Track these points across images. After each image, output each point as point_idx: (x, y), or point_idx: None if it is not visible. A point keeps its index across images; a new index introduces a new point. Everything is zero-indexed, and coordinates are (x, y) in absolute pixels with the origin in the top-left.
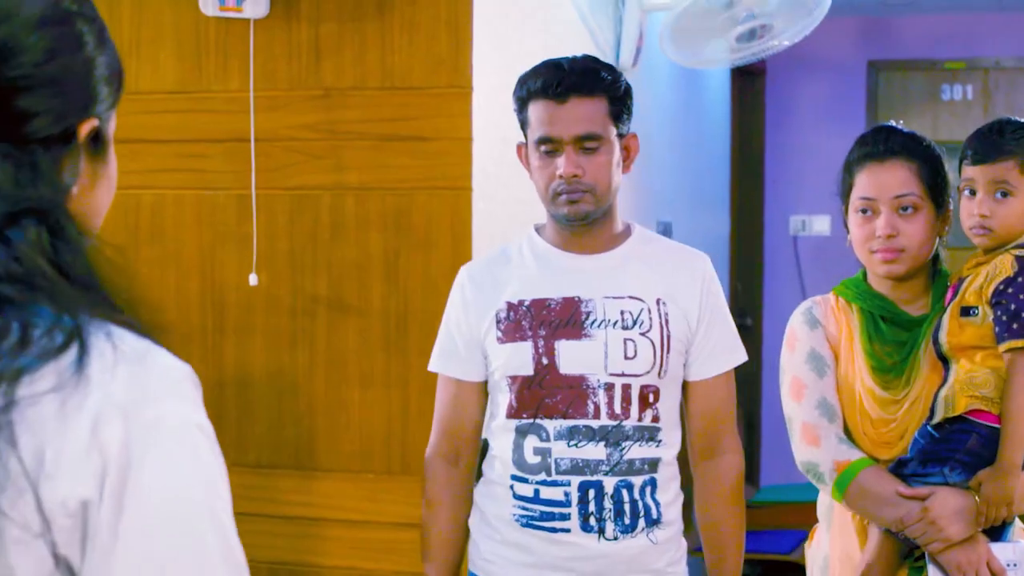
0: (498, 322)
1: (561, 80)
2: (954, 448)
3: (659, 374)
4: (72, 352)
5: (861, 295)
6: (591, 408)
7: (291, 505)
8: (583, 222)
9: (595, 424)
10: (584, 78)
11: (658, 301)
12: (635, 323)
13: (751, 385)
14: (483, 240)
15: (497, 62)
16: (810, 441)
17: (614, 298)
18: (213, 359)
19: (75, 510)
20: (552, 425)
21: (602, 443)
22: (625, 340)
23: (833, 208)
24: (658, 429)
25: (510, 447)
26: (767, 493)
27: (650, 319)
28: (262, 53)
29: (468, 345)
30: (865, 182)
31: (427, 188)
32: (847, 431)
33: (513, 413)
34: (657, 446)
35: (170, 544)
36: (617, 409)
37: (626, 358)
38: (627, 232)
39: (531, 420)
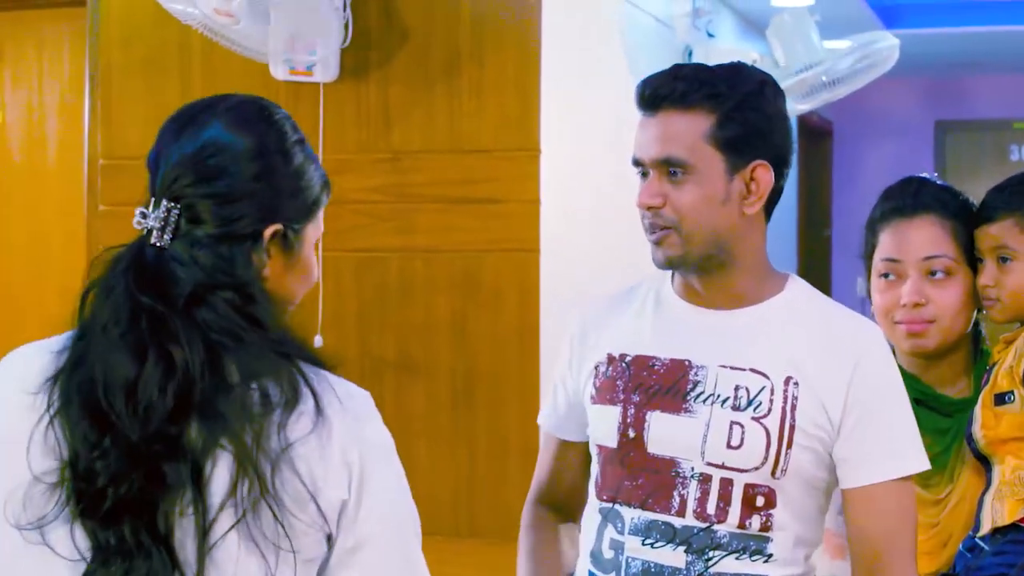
0: (595, 377)
1: (647, 85)
2: (1010, 563)
3: (773, 472)
4: (310, 400)
5: None
6: (676, 502)
7: None
8: (676, 268)
9: (677, 523)
10: (679, 84)
11: (787, 380)
12: (749, 404)
13: None
14: (551, 302)
15: (565, 125)
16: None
17: (731, 368)
18: None
19: (338, 507)
20: (629, 515)
21: (682, 548)
22: (732, 423)
23: None
24: (768, 540)
25: (593, 534)
26: None
27: (771, 401)
28: (331, 117)
29: (569, 400)
30: (889, 241)
31: (495, 250)
32: None
33: (598, 491)
34: (765, 562)
35: (388, 519)
36: (710, 508)
37: (729, 446)
38: (777, 286)
39: (611, 504)
